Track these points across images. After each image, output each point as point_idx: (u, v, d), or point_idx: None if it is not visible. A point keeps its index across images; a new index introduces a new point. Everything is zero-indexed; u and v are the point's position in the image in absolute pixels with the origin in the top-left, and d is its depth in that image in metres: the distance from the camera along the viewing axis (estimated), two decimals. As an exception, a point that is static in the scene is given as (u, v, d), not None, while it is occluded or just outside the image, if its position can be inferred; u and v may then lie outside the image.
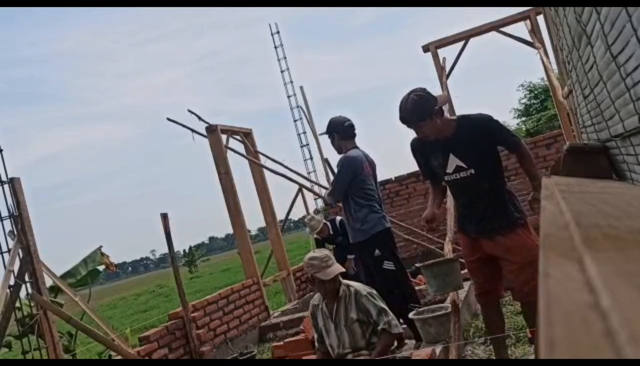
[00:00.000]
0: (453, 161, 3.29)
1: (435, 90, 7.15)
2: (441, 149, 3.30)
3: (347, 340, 3.60)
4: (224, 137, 6.79)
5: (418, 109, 3.14)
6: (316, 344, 3.87)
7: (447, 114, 3.40)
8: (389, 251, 4.30)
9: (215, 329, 5.63)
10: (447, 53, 7.42)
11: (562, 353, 0.35)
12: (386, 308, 3.59)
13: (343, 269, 3.67)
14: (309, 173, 12.59)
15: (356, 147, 4.49)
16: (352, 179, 4.31)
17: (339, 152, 4.54)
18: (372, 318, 3.52)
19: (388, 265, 4.22)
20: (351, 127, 4.51)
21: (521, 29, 7.26)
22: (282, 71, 13.37)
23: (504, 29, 7.18)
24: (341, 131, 4.48)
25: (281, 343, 4.97)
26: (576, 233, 0.69)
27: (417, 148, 3.48)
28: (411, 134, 3.35)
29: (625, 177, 2.13)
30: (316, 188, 8.70)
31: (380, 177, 9.33)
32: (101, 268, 7.25)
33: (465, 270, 3.69)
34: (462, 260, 3.65)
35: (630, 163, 1.97)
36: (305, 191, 8.09)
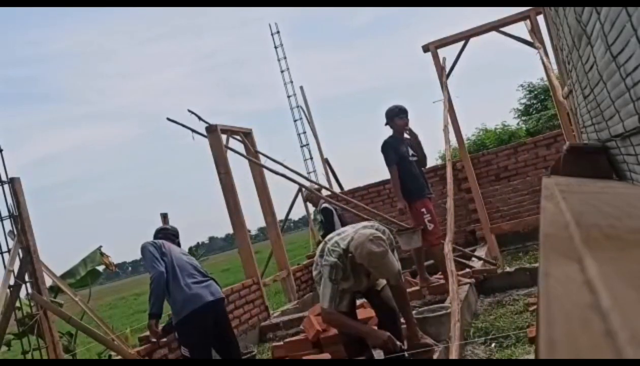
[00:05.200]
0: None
1: (436, 90, 7.16)
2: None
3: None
4: (224, 137, 6.79)
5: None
6: (334, 304, 3.57)
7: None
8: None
9: (215, 329, 5.63)
10: (447, 53, 7.42)
11: (562, 353, 0.35)
12: None
13: (396, 267, 3.51)
14: (309, 173, 12.57)
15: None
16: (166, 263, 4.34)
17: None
18: None
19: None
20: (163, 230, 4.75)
21: (521, 29, 7.26)
22: (282, 71, 13.34)
23: (504, 29, 7.17)
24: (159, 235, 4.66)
25: (281, 343, 4.97)
26: (576, 233, 0.69)
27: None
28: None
29: (625, 177, 2.13)
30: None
31: (380, 177, 9.37)
32: (101, 268, 7.25)
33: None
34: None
35: (630, 163, 1.97)
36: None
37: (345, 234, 3.65)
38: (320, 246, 3.83)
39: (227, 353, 4.41)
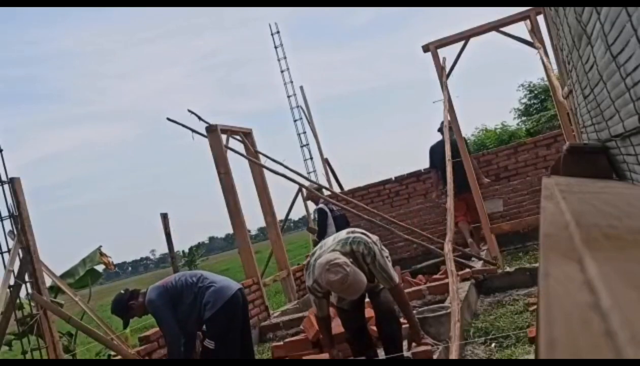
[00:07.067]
0: None
1: (436, 90, 7.17)
2: None
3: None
4: (224, 137, 6.79)
5: None
6: (320, 311, 3.82)
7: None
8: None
9: (215, 329, 5.61)
10: (447, 53, 7.41)
11: (562, 353, 0.35)
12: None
13: (365, 283, 3.51)
14: (309, 173, 12.56)
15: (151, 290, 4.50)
16: (174, 306, 4.27)
17: (144, 312, 4.53)
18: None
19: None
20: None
21: (521, 29, 7.25)
22: (282, 71, 13.32)
23: (504, 29, 7.16)
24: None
25: (281, 343, 4.97)
26: (576, 233, 0.69)
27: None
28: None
29: (625, 177, 2.13)
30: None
31: (380, 177, 9.40)
32: (100, 268, 7.25)
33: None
34: None
35: (630, 163, 1.97)
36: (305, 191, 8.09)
37: (317, 255, 3.72)
38: (308, 259, 3.95)
39: (246, 345, 4.44)
